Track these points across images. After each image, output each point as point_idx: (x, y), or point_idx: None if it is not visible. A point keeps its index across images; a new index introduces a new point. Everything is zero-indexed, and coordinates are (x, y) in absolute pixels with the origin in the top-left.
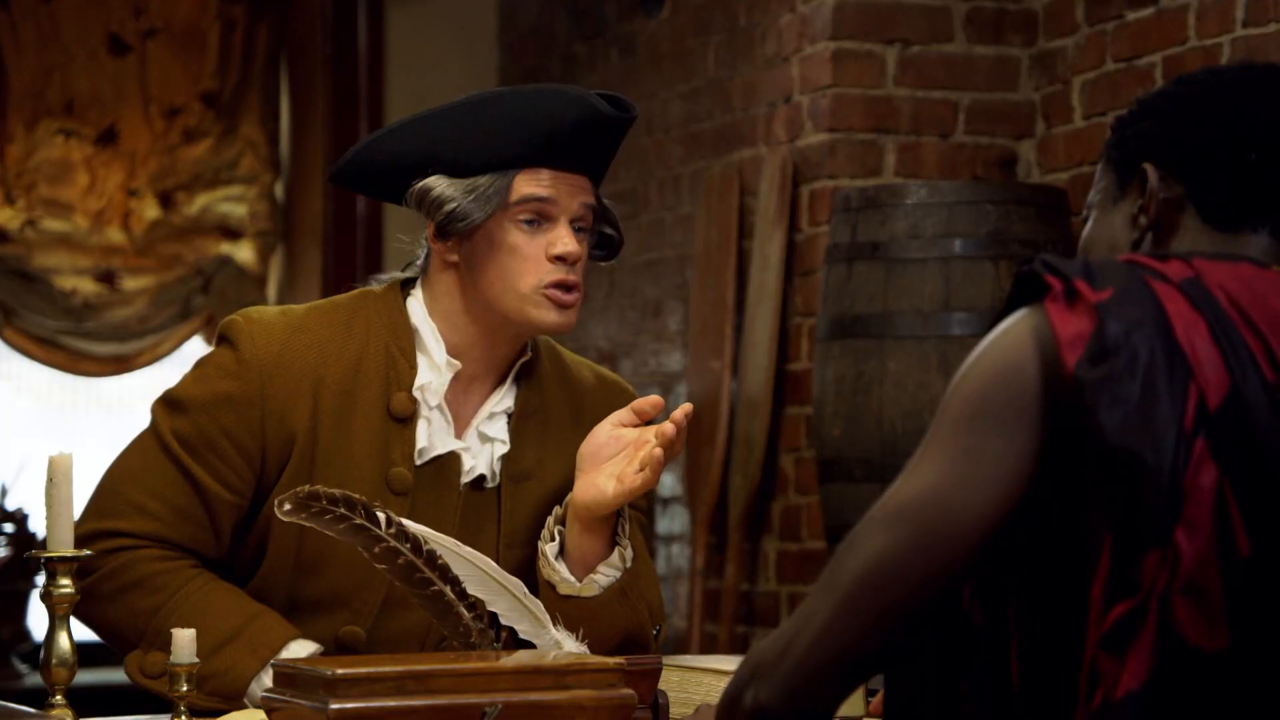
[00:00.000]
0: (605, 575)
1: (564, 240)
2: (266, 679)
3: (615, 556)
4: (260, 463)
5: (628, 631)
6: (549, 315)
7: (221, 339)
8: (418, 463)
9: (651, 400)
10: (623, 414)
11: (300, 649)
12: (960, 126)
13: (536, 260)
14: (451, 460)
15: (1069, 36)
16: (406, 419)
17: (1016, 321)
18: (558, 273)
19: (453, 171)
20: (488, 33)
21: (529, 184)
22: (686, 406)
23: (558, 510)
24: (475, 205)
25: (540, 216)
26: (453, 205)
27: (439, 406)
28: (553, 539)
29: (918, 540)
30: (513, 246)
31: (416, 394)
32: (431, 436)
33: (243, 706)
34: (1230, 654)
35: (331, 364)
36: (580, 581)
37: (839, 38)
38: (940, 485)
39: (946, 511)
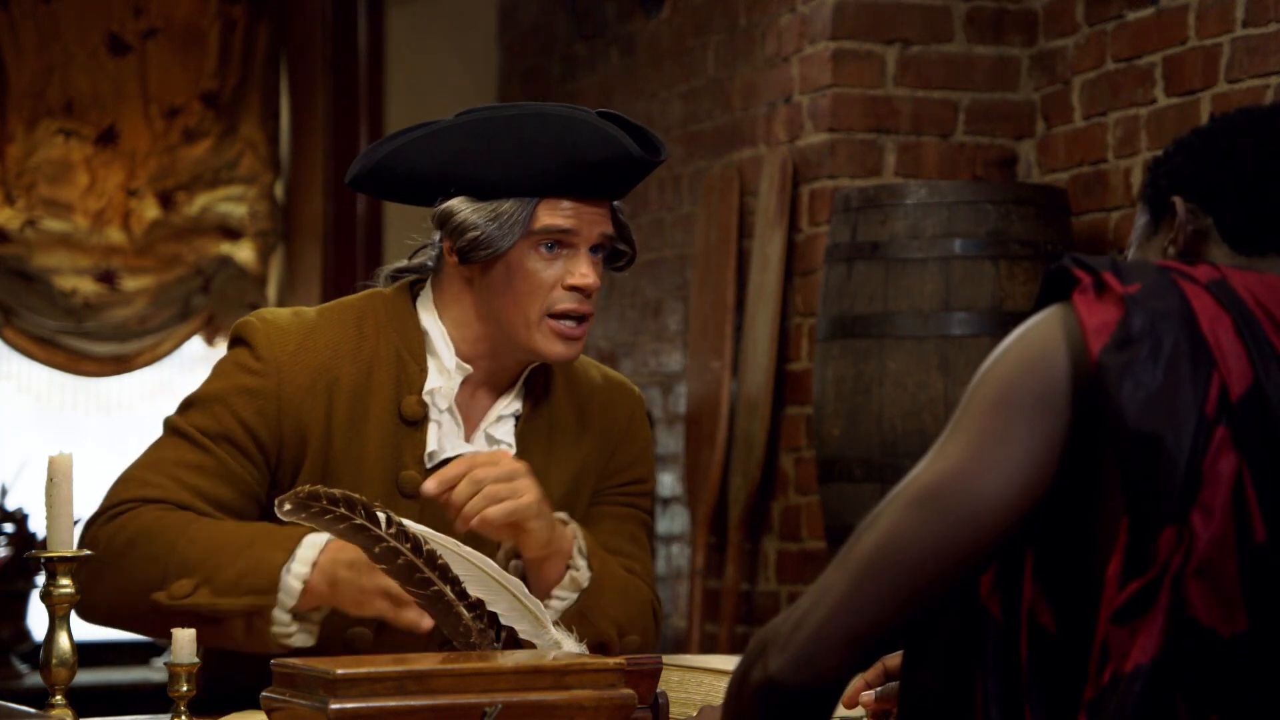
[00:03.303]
0: (560, 599)
1: (582, 272)
2: (296, 568)
3: (567, 580)
4: (276, 458)
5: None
6: (554, 347)
7: (237, 340)
8: (428, 465)
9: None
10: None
11: (316, 540)
12: (960, 126)
13: (552, 286)
14: None
15: (1069, 36)
16: (417, 422)
17: (1045, 315)
18: (571, 301)
19: (474, 191)
20: (488, 33)
21: (551, 214)
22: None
23: (508, 545)
24: (498, 234)
25: (560, 243)
26: (476, 233)
27: (449, 409)
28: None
29: (938, 519)
30: (530, 272)
31: (426, 397)
32: (441, 440)
33: (248, 702)
34: (1248, 638)
35: (345, 365)
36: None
37: (839, 38)
38: (964, 467)
39: (968, 492)
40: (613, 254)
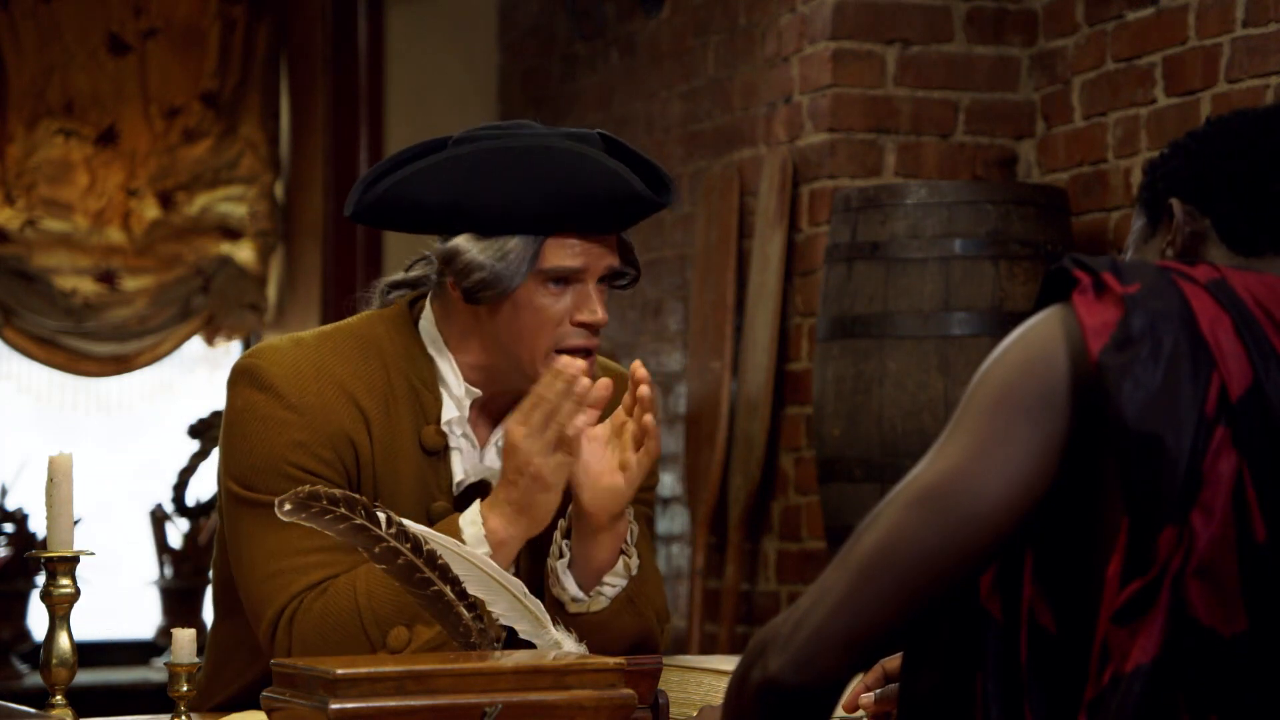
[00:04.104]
0: (612, 585)
1: (591, 308)
2: (470, 539)
3: (620, 566)
4: (350, 485)
5: (636, 640)
6: None
7: (249, 384)
8: (455, 495)
9: (601, 384)
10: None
11: (469, 514)
12: (960, 126)
13: (559, 322)
14: (483, 487)
15: (1069, 36)
16: (438, 452)
17: (1045, 315)
18: (579, 337)
19: (479, 227)
20: (488, 33)
21: (559, 252)
22: (637, 369)
23: (562, 524)
24: (506, 274)
25: (567, 279)
26: (482, 274)
27: (465, 435)
28: (561, 554)
29: (938, 519)
30: (538, 308)
31: (445, 426)
32: (465, 467)
33: (248, 702)
34: (1248, 638)
35: (363, 398)
36: (589, 594)
37: (839, 38)
38: (964, 467)
39: (968, 493)
40: (617, 272)
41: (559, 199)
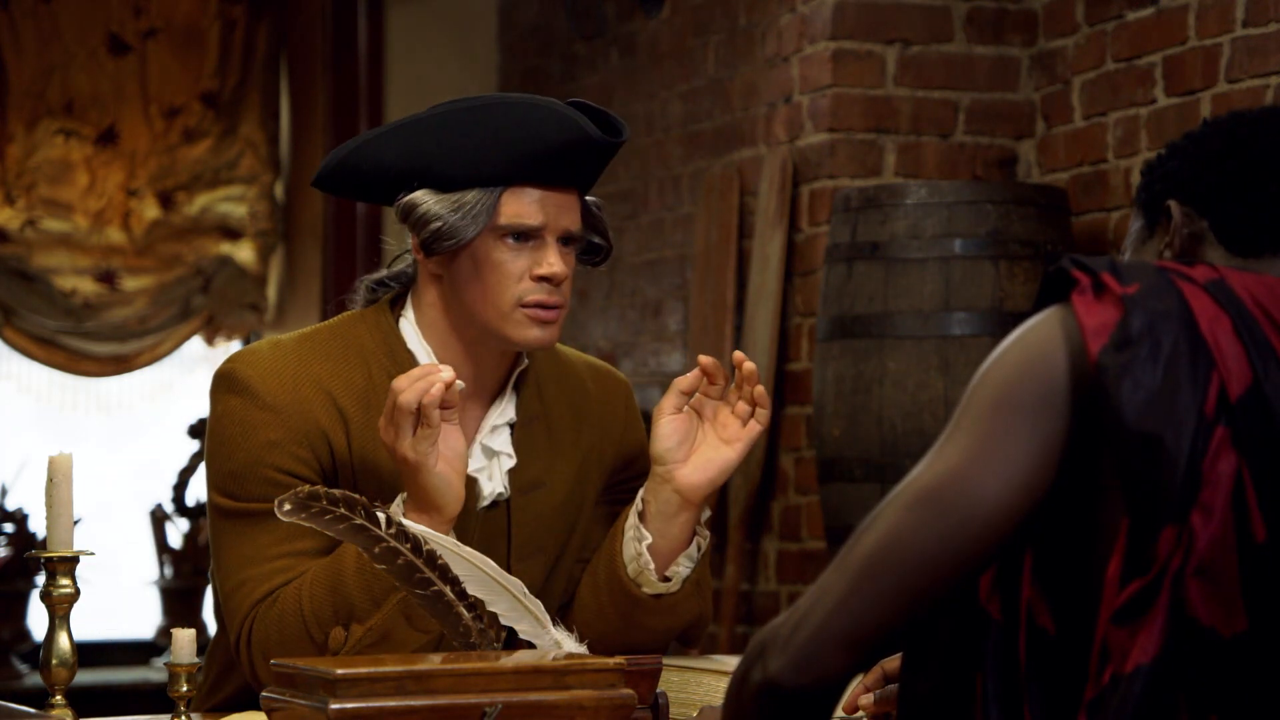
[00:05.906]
0: (684, 566)
1: (550, 261)
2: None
3: (693, 547)
4: (326, 484)
5: (693, 624)
6: (530, 332)
7: (229, 390)
8: None
9: (707, 363)
10: (672, 400)
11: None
12: (960, 126)
13: (520, 277)
14: (469, 483)
15: (1069, 36)
16: None
17: (1044, 316)
18: (539, 292)
19: (438, 184)
20: (488, 32)
21: (516, 204)
22: (741, 359)
23: (632, 508)
24: (461, 224)
25: (527, 235)
26: (439, 224)
27: None
28: (641, 538)
29: (937, 520)
30: (497, 263)
31: None
32: None
33: (248, 702)
34: (1249, 638)
35: (342, 396)
36: (659, 577)
37: (839, 38)
38: (963, 468)
39: (968, 493)
40: (590, 248)
41: (512, 148)
